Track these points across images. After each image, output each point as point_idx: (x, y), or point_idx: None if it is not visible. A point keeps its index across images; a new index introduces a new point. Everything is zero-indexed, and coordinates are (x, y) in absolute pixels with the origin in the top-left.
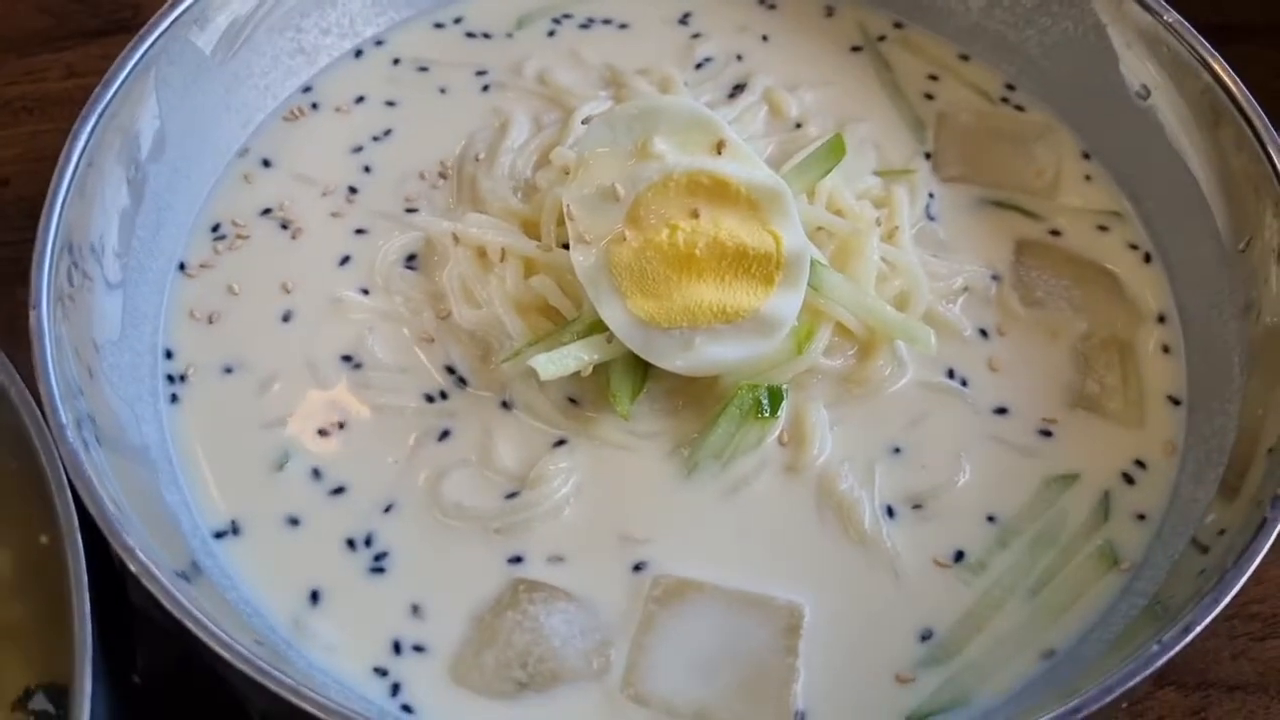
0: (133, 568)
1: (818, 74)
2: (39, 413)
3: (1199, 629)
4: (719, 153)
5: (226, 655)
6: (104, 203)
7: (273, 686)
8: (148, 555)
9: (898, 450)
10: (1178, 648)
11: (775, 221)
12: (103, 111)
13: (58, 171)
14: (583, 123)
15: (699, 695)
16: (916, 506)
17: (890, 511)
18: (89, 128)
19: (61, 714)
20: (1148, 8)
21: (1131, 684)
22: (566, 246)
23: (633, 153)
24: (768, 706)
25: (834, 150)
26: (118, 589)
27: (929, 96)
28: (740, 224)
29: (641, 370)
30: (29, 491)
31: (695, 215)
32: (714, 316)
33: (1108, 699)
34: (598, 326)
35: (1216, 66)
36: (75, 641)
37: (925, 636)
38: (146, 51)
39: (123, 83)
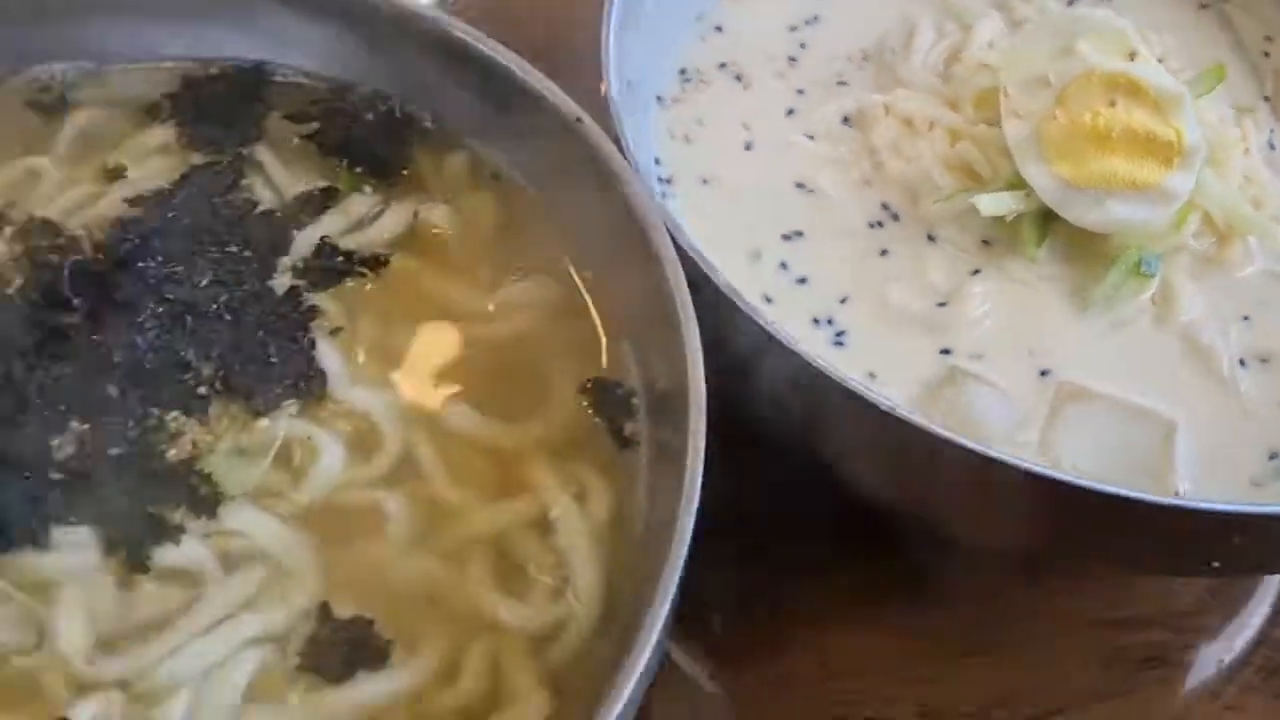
0: (718, 286)
1: (1170, 23)
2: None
3: None
4: (1132, 59)
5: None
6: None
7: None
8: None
9: (1247, 318)
10: None
11: (1176, 119)
12: None
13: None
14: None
15: (1093, 473)
16: (1264, 360)
17: (1242, 362)
18: None
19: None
20: None
21: None
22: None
23: (1060, 53)
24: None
25: (1216, 73)
26: None
27: (1265, 54)
28: (1149, 117)
29: (1048, 224)
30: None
31: (1113, 104)
32: (1124, 185)
33: None
34: (1016, 185)
35: None
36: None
37: (1273, 456)
38: None
39: None
